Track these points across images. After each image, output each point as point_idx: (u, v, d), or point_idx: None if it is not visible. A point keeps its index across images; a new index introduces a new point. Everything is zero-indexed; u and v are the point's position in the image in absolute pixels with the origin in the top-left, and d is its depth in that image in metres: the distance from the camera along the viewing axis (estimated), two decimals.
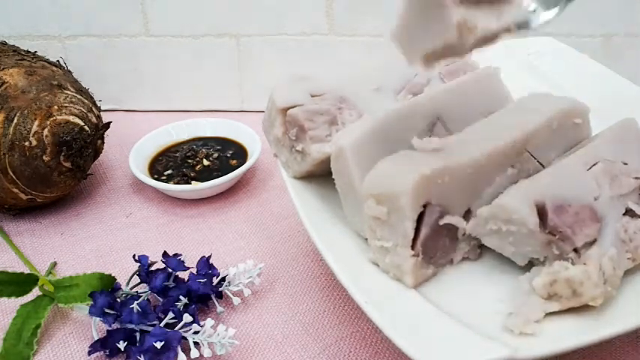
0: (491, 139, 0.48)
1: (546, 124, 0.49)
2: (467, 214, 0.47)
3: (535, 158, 0.49)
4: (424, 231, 0.44)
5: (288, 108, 0.52)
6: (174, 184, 0.69)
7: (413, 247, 0.44)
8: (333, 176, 0.49)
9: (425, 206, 0.44)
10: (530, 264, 0.45)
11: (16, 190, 0.63)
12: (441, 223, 0.45)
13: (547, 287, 0.41)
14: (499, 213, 0.43)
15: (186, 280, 0.55)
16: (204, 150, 0.74)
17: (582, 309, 0.41)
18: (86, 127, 0.65)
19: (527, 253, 0.44)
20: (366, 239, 0.47)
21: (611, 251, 0.41)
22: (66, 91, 0.65)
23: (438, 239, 0.45)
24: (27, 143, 0.61)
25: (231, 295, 0.55)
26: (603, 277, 0.41)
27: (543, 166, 0.49)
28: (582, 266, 0.41)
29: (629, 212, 0.44)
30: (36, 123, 0.62)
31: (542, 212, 0.43)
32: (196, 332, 0.50)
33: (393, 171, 0.44)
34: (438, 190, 0.44)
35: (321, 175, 0.53)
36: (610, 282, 0.41)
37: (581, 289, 0.40)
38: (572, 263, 0.42)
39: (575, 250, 0.42)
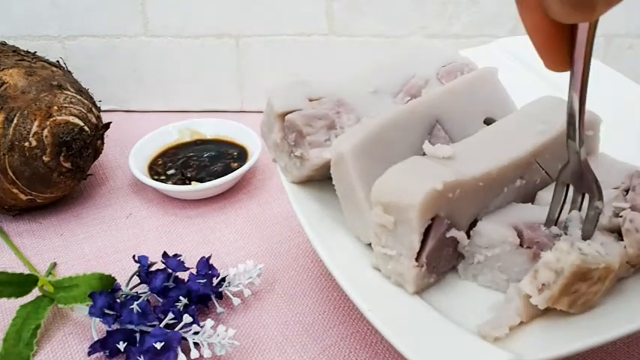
0: (504, 150, 0.47)
1: (559, 135, 0.48)
2: (473, 224, 0.46)
3: (544, 169, 0.48)
4: (430, 244, 0.43)
5: (286, 113, 0.51)
6: (174, 184, 0.69)
7: (418, 258, 0.43)
8: (333, 182, 0.49)
9: (433, 219, 0.43)
10: None
11: (15, 191, 0.63)
12: (448, 235, 0.44)
13: (533, 282, 0.41)
14: (478, 240, 0.44)
15: (186, 280, 0.55)
16: (204, 150, 0.74)
17: (584, 314, 0.42)
18: (86, 128, 0.65)
19: (518, 275, 0.44)
20: (367, 244, 0.47)
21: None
22: (66, 92, 0.65)
23: (442, 249, 0.45)
24: (27, 143, 0.61)
25: (231, 296, 0.55)
26: (577, 247, 0.40)
27: (550, 177, 0.49)
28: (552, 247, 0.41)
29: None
30: (36, 123, 0.62)
31: (518, 233, 0.44)
32: (196, 333, 0.50)
33: (404, 181, 0.43)
34: (448, 204, 0.43)
35: (320, 180, 0.53)
36: (586, 250, 0.40)
37: (559, 265, 0.40)
38: None
39: None
